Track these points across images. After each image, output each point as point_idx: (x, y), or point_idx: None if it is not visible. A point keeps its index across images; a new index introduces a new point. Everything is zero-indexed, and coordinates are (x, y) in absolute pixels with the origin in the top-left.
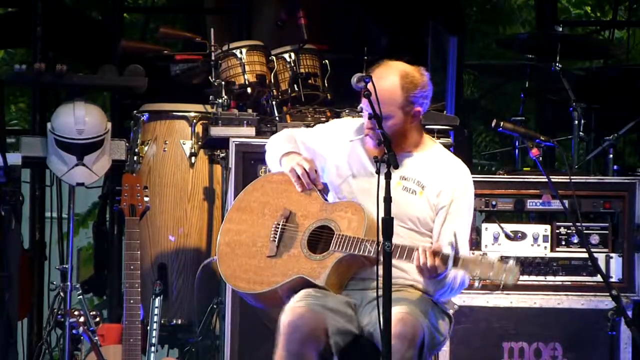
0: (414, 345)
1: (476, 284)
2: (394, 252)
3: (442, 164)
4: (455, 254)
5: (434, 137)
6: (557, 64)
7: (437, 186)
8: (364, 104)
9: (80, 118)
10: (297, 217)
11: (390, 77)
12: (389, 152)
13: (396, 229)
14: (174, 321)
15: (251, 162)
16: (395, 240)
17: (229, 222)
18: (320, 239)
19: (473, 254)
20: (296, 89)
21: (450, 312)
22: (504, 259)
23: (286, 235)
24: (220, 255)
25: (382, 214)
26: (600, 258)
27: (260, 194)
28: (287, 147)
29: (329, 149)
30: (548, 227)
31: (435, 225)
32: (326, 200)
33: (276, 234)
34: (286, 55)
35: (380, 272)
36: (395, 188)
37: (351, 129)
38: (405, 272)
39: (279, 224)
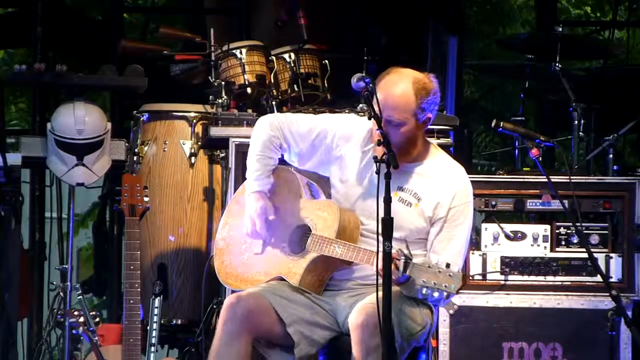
0: (378, 333)
1: (424, 290)
2: (358, 257)
3: (443, 176)
4: (406, 259)
5: (433, 137)
6: (557, 64)
7: (435, 198)
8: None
9: (80, 118)
10: (283, 214)
11: (403, 84)
12: (389, 152)
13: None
14: (174, 321)
15: None
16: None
17: (227, 214)
18: (302, 237)
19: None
20: (296, 89)
21: (443, 307)
22: (448, 267)
23: (272, 233)
24: (217, 250)
25: (381, 214)
26: (600, 258)
27: None
28: (255, 169)
29: (336, 149)
30: (548, 227)
31: (431, 234)
32: (313, 195)
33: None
34: (286, 55)
35: (358, 274)
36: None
37: (362, 133)
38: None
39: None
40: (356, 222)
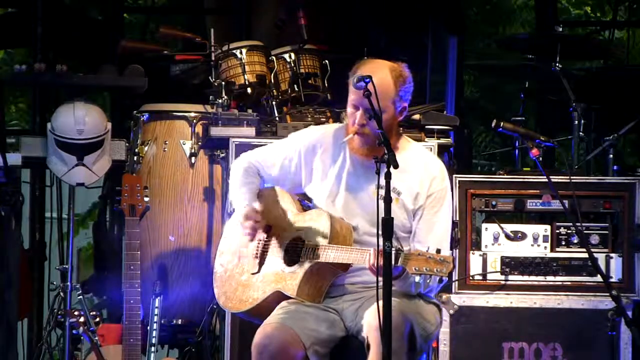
0: (402, 335)
1: (417, 278)
2: (351, 257)
3: (419, 166)
4: (397, 251)
5: (434, 137)
6: (557, 64)
7: (414, 190)
8: (356, 102)
9: (80, 118)
10: (276, 230)
11: (382, 72)
12: (389, 151)
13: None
14: (174, 321)
15: None
16: (369, 247)
17: (223, 242)
18: (296, 250)
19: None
20: (296, 89)
21: (443, 307)
22: (439, 253)
23: (266, 250)
24: (215, 277)
25: (382, 214)
26: (600, 258)
27: None
28: (242, 193)
29: (307, 165)
30: (548, 227)
31: (413, 223)
32: (304, 205)
33: (257, 250)
34: (286, 56)
35: (361, 279)
36: (372, 197)
37: (329, 134)
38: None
39: (260, 240)
40: (348, 227)
